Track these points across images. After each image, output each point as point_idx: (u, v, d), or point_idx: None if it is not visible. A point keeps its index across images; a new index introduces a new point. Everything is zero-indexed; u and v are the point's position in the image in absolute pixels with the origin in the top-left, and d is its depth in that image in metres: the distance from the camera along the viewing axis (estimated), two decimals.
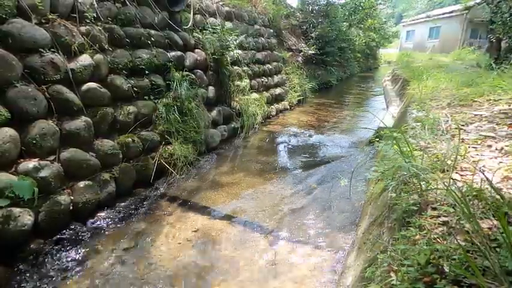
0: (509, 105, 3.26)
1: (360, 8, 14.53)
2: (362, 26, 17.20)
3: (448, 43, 18.66)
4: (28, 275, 2.25)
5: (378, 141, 2.90)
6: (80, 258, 2.47)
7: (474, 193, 1.56)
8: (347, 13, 14.09)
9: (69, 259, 2.44)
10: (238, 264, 2.45)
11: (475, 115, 3.15)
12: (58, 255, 2.46)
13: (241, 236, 2.82)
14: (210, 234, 2.82)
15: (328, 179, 3.98)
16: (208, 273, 2.35)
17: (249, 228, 2.94)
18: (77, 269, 2.36)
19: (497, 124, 2.79)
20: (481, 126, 2.78)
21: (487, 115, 3.08)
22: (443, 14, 19.85)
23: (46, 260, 2.39)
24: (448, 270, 1.17)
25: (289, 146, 5.42)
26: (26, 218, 2.36)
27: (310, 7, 12.38)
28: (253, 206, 3.34)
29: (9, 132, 2.42)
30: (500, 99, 3.51)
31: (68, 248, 2.54)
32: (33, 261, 2.36)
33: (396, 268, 1.34)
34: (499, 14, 7.71)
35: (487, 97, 3.71)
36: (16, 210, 2.32)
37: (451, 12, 19.15)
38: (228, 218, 3.11)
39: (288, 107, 8.18)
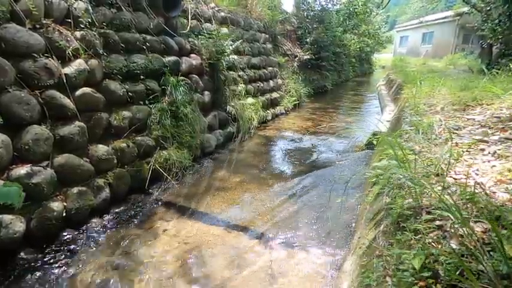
0: (501, 110, 3.30)
1: (354, 14, 14.72)
2: (356, 31, 17.41)
3: (441, 48, 18.97)
4: (19, 283, 2.20)
5: (373, 145, 2.92)
6: (72, 265, 2.42)
7: (468, 197, 1.57)
8: (341, 19, 14.25)
9: (61, 267, 2.39)
10: (234, 270, 2.42)
11: (468, 119, 3.19)
12: (50, 263, 2.42)
13: (236, 241, 2.79)
14: (205, 240, 2.79)
15: (324, 184, 3.98)
16: (205, 280, 2.32)
17: (244, 233, 2.92)
18: (70, 276, 2.31)
19: (489, 128, 2.83)
20: (474, 131, 2.81)
21: (479, 119, 3.12)
22: (436, 19, 20.19)
23: (37, 268, 2.35)
24: (443, 275, 1.17)
25: (285, 151, 5.42)
26: (17, 225, 2.32)
27: (305, 13, 12.52)
28: (248, 211, 3.32)
29: (1, 137, 2.39)
30: (492, 104, 3.56)
31: (60, 256, 2.50)
32: (24, 269, 2.31)
33: (392, 273, 1.33)
34: (488, 22, 7.87)
35: (479, 101, 3.76)
36: (7, 218, 2.28)
37: (444, 18, 19.48)
38: (224, 223, 3.08)
39: (284, 112, 8.21)
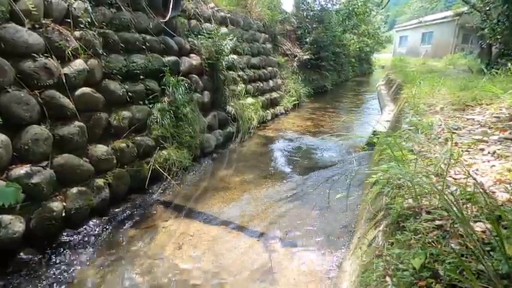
0: (500, 109, 3.31)
1: (354, 13, 14.71)
2: (356, 31, 17.41)
3: (441, 48, 18.97)
4: (19, 283, 2.20)
5: (372, 145, 2.92)
6: (72, 265, 2.42)
7: (468, 196, 1.57)
8: (341, 19, 14.24)
9: (60, 267, 2.39)
10: (233, 270, 2.42)
11: (468, 119, 3.19)
12: (50, 263, 2.41)
13: (236, 241, 2.79)
14: (205, 240, 2.79)
15: (323, 184, 3.98)
16: (204, 280, 2.32)
17: (244, 233, 2.92)
18: (68, 278, 2.31)
19: (489, 128, 2.83)
20: (474, 130, 2.82)
21: (479, 119, 3.13)
22: (436, 19, 20.20)
23: (37, 268, 2.35)
24: (443, 274, 1.17)
25: (285, 151, 5.42)
26: (17, 225, 2.32)
27: (305, 13, 12.51)
28: (248, 210, 3.32)
29: (0, 137, 2.38)
30: (492, 104, 3.56)
31: (60, 255, 2.49)
32: (24, 269, 2.31)
33: (392, 272, 1.33)
34: (488, 22, 7.87)
35: (479, 101, 3.76)
36: (7, 218, 2.28)
37: (443, 18, 19.49)
38: (223, 223, 3.08)
39: (284, 112, 8.21)
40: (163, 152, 3.87)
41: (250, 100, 6.53)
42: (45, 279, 2.27)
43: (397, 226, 1.64)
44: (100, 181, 3.09)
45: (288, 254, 2.62)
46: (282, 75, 9.18)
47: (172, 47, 4.57)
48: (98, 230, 2.87)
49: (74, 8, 3.19)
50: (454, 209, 1.33)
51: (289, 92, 8.97)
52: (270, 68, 8.34)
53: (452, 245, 1.30)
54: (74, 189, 2.83)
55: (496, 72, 5.23)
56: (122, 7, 3.84)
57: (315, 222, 3.11)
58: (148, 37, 4.13)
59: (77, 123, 2.98)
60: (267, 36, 8.79)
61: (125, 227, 2.96)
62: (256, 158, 5.02)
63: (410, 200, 1.75)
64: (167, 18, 4.36)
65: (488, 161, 2.11)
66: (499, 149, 2.26)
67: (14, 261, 2.33)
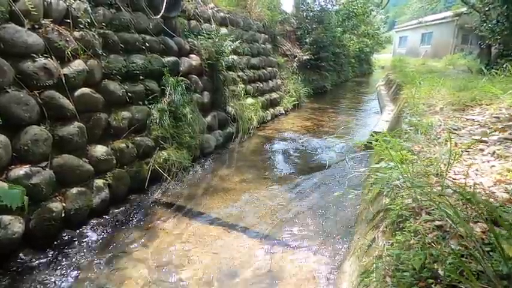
0: (500, 110, 3.31)
1: (353, 14, 14.73)
2: (356, 32, 17.44)
3: (440, 48, 19.00)
4: (18, 284, 2.19)
5: (372, 145, 2.91)
6: (71, 267, 2.42)
7: (467, 197, 1.57)
8: (341, 19, 14.27)
9: (61, 267, 2.39)
10: (234, 270, 2.42)
11: (467, 119, 3.19)
12: (49, 263, 2.41)
13: (237, 241, 2.79)
14: (205, 241, 2.79)
15: (323, 184, 3.98)
16: (205, 281, 2.32)
17: (244, 234, 2.92)
18: (67, 278, 2.31)
19: (489, 128, 2.84)
20: (474, 131, 2.82)
21: (479, 119, 3.13)
22: (435, 20, 20.23)
23: (36, 269, 2.34)
24: (443, 275, 1.17)
25: (285, 151, 5.42)
26: (16, 225, 2.31)
27: (305, 13, 12.52)
28: (248, 211, 3.32)
29: (0, 138, 2.38)
30: (492, 104, 3.57)
31: (59, 256, 2.49)
32: (23, 270, 2.30)
33: (391, 273, 1.33)
34: (487, 22, 7.88)
35: (478, 102, 3.76)
36: (6, 218, 2.27)
37: (443, 18, 19.53)
38: (224, 224, 3.08)
39: (283, 112, 8.21)
40: (163, 152, 3.86)
41: (250, 100, 6.53)
42: (45, 279, 2.26)
43: (397, 227, 1.64)
44: (100, 182, 3.08)
45: (288, 254, 2.62)
46: (282, 75, 9.18)
47: (172, 47, 4.56)
48: (97, 230, 2.87)
49: (74, 8, 3.18)
50: (449, 211, 1.33)
51: (289, 92, 8.97)
52: (270, 69, 8.34)
53: (452, 245, 1.29)
54: (74, 190, 2.82)
55: (496, 73, 5.23)
56: (122, 7, 3.84)
57: (315, 222, 3.10)
58: (148, 37, 4.13)
59: (76, 123, 2.98)
60: (266, 36, 8.80)
61: (124, 228, 2.95)
62: (256, 158, 5.02)
63: (410, 201, 1.75)
64: (159, 15, 4.33)
65: (488, 161, 2.12)
66: (498, 149, 2.27)
67: (14, 262, 2.33)
